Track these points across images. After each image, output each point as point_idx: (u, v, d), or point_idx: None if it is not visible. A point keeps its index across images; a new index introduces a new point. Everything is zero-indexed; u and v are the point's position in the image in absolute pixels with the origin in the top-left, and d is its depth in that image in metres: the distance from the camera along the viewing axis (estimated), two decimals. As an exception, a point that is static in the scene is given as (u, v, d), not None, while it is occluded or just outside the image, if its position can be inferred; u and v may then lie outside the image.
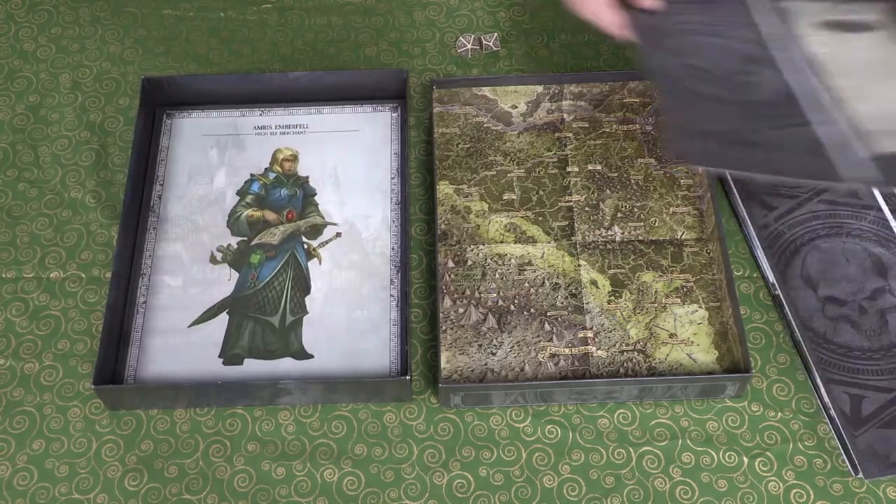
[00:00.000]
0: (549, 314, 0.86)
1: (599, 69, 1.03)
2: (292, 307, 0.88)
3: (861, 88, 0.83)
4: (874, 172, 0.78)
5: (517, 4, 1.09)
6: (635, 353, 0.85)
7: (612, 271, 0.89)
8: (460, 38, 1.05)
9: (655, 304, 0.87)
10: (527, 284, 0.88)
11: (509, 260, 0.90)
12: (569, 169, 0.95)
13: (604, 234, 0.91)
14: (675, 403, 0.84)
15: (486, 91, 0.99)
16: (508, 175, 0.94)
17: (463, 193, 0.93)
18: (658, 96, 0.94)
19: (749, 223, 0.92)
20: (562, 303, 0.87)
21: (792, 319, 0.86)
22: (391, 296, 0.88)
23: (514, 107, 0.98)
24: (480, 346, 0.85)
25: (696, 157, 0.83)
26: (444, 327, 0.86)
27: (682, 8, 0.91)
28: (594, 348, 0.85)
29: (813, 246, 0.90)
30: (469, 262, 0.89)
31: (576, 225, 0.91)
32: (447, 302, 0.87)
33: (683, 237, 0.91)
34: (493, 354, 0.85)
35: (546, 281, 0.88)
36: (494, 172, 0.95)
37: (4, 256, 0.92)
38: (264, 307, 0.88)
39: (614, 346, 0.85)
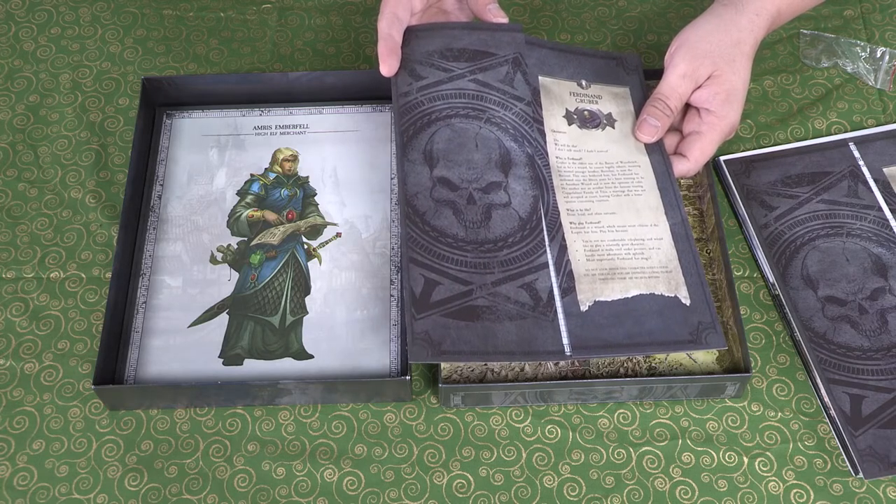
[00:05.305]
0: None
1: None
2: (292, 307, 0.88)
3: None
4: None
5: (517, 4, 1.09)
6: (635, 353, 0.85)
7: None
8: (460, 38, 1.05)
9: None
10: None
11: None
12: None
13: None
14: (675, 403, 0.84)
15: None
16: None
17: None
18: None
19: (749, 223, 0.92)
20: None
21: (792, 319, 0.86)
22: (391, 296, 0.88)
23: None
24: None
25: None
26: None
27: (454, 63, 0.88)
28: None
29: (813, 246, 0.90)
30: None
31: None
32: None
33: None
34: (493, 354, 0.84)
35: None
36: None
37: (4, 256, 0.92)
38: (264, 307, 0.88)
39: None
